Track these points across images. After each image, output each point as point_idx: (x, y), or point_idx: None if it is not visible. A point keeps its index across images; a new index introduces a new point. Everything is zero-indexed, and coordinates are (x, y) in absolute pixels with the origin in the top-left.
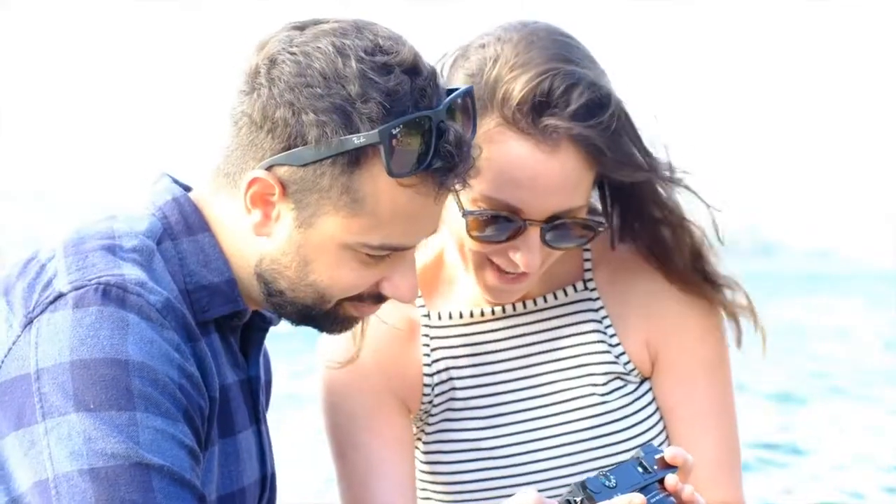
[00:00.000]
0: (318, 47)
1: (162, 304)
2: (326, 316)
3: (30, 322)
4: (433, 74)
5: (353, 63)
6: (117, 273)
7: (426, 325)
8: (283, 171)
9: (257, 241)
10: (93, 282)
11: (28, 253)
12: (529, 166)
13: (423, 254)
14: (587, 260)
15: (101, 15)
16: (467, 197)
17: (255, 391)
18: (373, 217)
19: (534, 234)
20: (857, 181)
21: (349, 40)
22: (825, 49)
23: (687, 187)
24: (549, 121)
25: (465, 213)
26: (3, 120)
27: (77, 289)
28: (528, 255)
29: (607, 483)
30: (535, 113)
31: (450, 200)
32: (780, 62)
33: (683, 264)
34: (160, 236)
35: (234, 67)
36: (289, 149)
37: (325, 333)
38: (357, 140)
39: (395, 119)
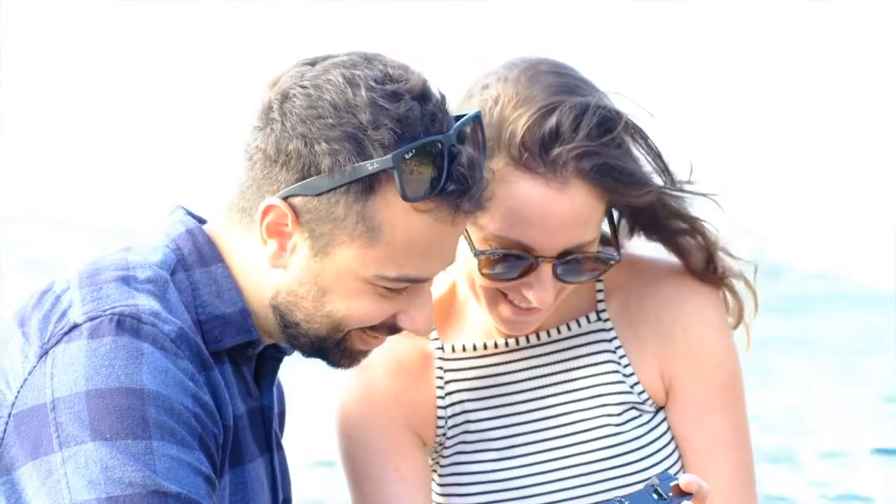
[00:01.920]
0: (329, 79)
1: (176, 334)
2: (337, 347)
3: (45, 353)
4: (443, 100)
5: (364, 92)
6: (131, 303)
7: (440, 358)
8: (297, 200)
9: (273, 273)
10: (107, 312)
11: (43, 284)
12: (540, 205)
13: (436, 286)
14: (600, 290)
15: (102, 19)
16: (478, 236)
17: (268, 419)
18: (389, 247)
19: (546, 270)
20: (865, 200)
21: (359, 70)
22: (834, 70)
23: (697, 192)
24: (558, 150)
25: (476, 253)
26: (4, 140)
27: (92, 319)
28: (540, 291)
29: None
30: (542, 148)
31: (462, 240)
32: (785, 80)
33: (698, 263)
34: (174, 267)
35: (249, 103)
36: (303, 179)
37: (333, 367)
38: (370, 166)
39: (408, 144)
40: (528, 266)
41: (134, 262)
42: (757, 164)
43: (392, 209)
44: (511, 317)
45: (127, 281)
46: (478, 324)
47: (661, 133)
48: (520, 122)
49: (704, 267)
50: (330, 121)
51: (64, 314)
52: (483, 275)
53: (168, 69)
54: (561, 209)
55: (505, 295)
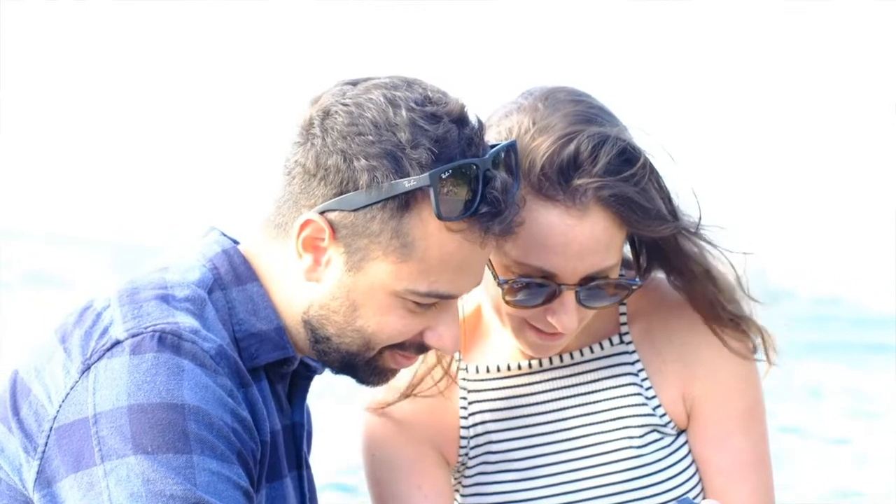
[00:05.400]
0: (370, 98)
1: (215, 351)
2: (367, 365)
3: (87, 368)
4: (480, 126)
5: (404, 112)
6: (172, 321)
7: (463, 378)
8: (334, 215)
9: (307, 287)
10: (148, 329)
11: (83, 301)
12: (561, 232)
13: (461, 308)
14: (623, 314)
15: (102, 23)
16: (501, 264)
17: (298, 437)
18: (421, 263)
19: (569, 296)
20: (867, 223)
21: (400, 92)
22: (839, 91)
23: (710, 242)
24: (579, 181)
25: (500, 282)
26: (6, 155)
27: (133, 336)
28: (564, 317)
29: None
30: (562, 176)
31: (485, 267)
32: (785, 99)
33: (707, 308)
34: (211, 286)
35: (288, 121)
36: (341, 194)
37: (362, 384)
38: (407, 184)
39: (444, 164)
40: (552, 293)
41: (172, 280)
42: (755, 187)
43: (426, 227)
44: (537, 342)
45: (166, 299)
46: (501, 345)
47: (660, 144)
48: (539, 151)
49: (710, 311)
50: (370, 138)
51: (105, 331)
52: (507, 302)
53: (168, 72)
54: (582, 236)
55: (528, 320)
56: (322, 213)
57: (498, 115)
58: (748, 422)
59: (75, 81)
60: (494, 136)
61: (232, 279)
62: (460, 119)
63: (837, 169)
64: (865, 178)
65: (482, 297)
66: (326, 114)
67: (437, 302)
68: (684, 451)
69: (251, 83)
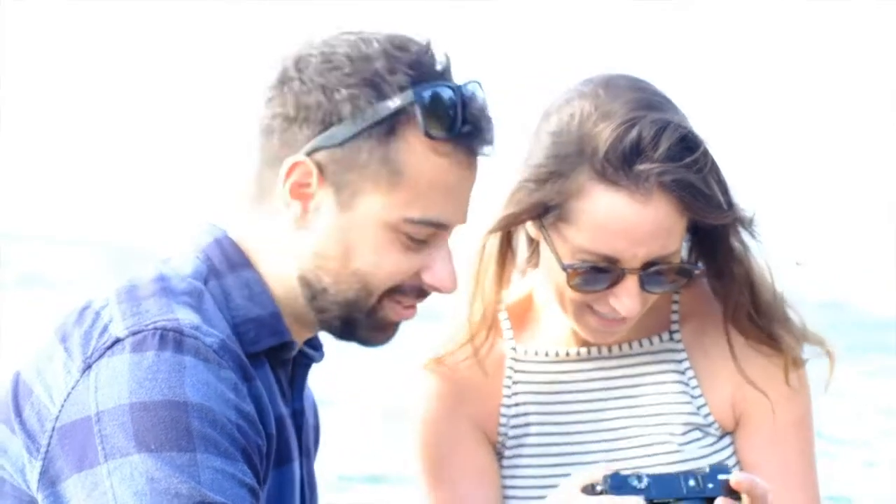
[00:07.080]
0: (339, 37)
1: (218, 346)
2: (368, 317)
3: (88, 367)
4: (448, 59)
5: (375, 44)
6: (172, 318)
7: (512, 359)
8: (321, 155)
9: (298, 241)
10: (149, 327)
11: (82, 301)
12: (624, 217)
13: (514, 291)
14: (675, 311)
15: (102, 23)
16: (565, 249)
17: (300, 425)
18: (412, 189)
19: (632, 281)
20: (873, 227)
21: (367, 31)
22: (841, 91)
23: (760, 240)
24: (642, 167)
25: (564, 267)
26: (6, 153)
27: (134, 334)
28: (627, 300)
29: (636, 484)
30: (625, 162)
31: (548, 253)
32: (787, 106)
33: (737, 318)
34: (206, 276)
35: (254, 84)
36: (325, 130)
37: (365, 345)
38: (392, 104)
39: (423, 85)
40: (615, 277)
41: (169, 275)
42: (758, 189)
43: (413, 150)
44: (598, 328)
45: (165, 294)
46: (552, 331)
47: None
48: (601, 137)
49: (741, 321)
50: (346, 70)
51: (105, 329)
52: (571, 287)
53: (167, 72)
54: (645, 221)
55: (592, 308)
56: (309, 154)
57: (558, 102)
58: (798, 430)
59: (75, 82)
60: (556, 123)
61: (225, 267)
62: (430, 49)
63: (843, 172)
64: (871, 181)
65: (538, 283)
66: (298, 59)
67: (431, 237)
68: (728, 452)
69: (252, 83)
